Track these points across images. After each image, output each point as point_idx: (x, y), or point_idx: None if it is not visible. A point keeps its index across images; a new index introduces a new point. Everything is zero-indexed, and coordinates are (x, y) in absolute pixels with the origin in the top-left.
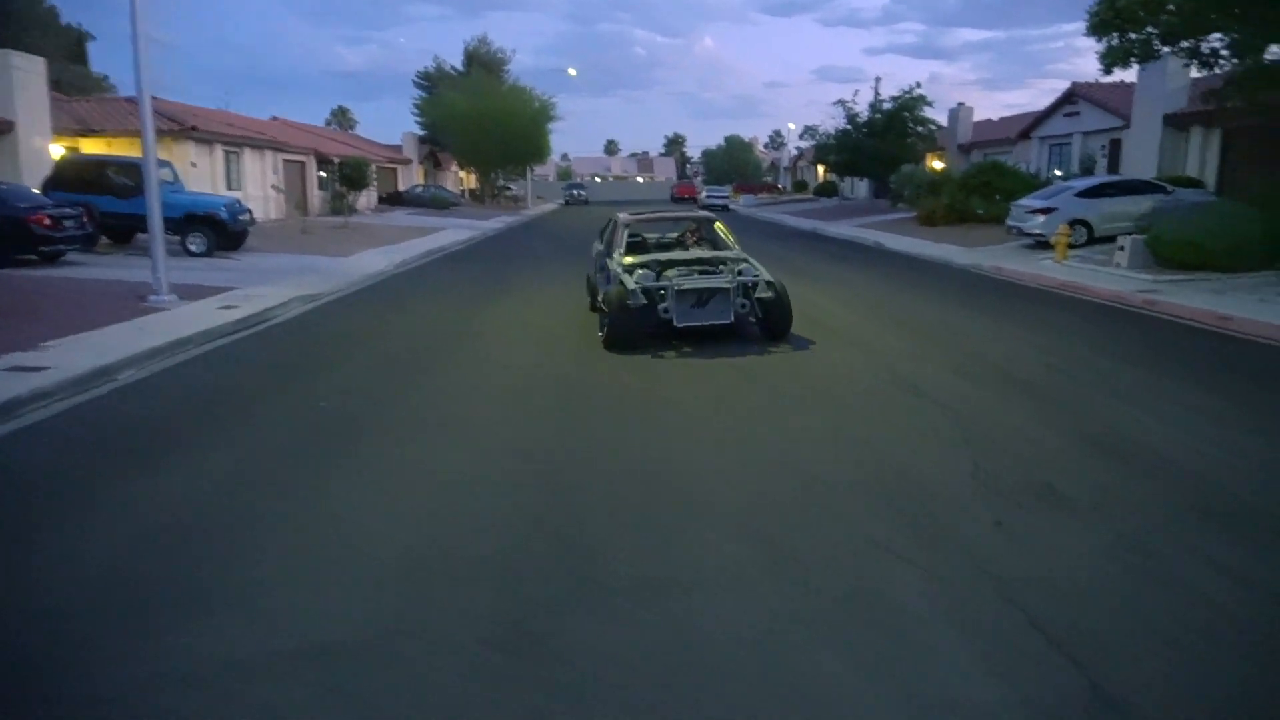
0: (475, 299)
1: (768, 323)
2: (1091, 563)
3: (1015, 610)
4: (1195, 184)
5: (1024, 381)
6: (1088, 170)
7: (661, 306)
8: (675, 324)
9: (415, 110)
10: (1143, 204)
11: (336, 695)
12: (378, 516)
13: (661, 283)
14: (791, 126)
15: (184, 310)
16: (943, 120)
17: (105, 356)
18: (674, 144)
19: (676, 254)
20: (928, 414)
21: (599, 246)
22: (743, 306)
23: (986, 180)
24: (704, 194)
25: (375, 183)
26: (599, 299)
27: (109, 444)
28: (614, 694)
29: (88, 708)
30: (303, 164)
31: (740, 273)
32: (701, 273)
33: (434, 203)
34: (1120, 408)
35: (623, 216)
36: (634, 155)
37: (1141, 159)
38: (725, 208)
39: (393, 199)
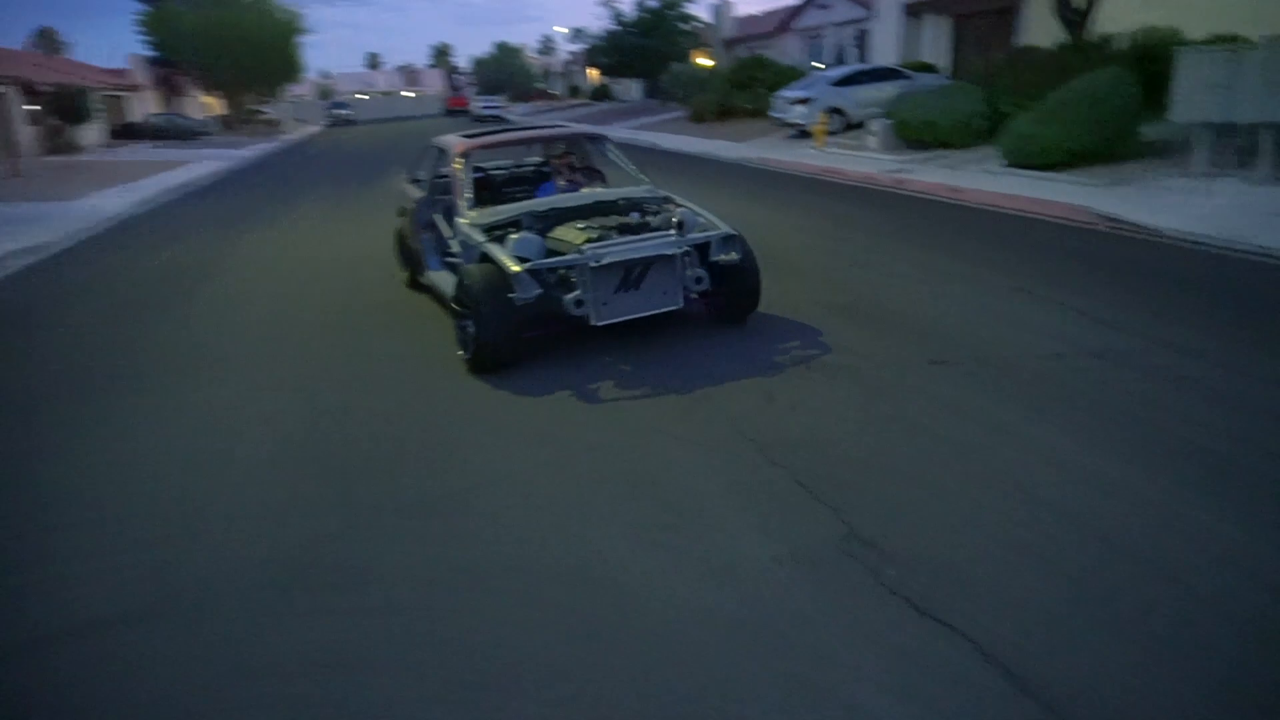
0: (231, 236)
1: (728, 299)
2: (845, 421)
3: (782, 472)
4: (930, 69)
5: (785, 262)
6: (841, 60)
7: (571, 296)
8: (593, 322)
9: (141, 29)
10: (889, 90)
11: (113, 669)
12: (137, 471)
13: (568, 257)
14: (561, 30)
15: None
16: (707, 17)
17: None
18: (441, 55)
19: (561, 199)
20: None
21: (413, 191)
22: (698, 280)
23: (751, 74)
24: (477, 105)
25: (103, 113)
26: (453, 290)
27: None
28: (411, 610)
29: None
30: (1, 95)
31: (679, 225)
32: (620, 230)
33: (177, 133)
34: (870, 277)
35: (452, 142)
36: (400, 69)
37: (886, 47)
38: (499, 117)
39: (127, 131)
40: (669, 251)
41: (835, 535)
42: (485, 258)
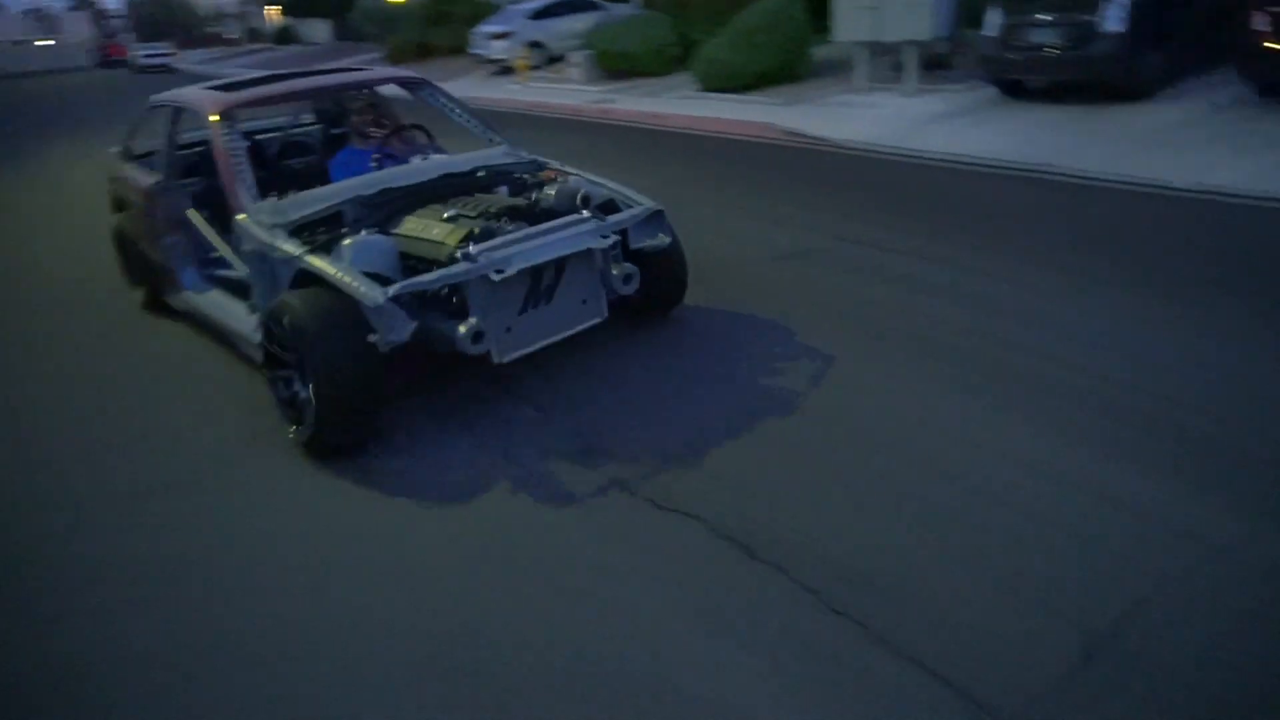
0: None
1: (655, 288)
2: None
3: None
4: None
5: None
6: None
7: (466, 330)
8: (497, 360)
9: None
10: (585, 21)
11: None
12: None
13: (454, 270)
14: None
15: None
16: None
17: None
18: None
19: (391, 176)
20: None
21: (136, 174)
22: (627, 280)
23: (446, 10)
24: (138, 54)
25: None
26: (254, 328)
27: None
28: (165, 595)
29: None
30: None
31: (582, 201)
32: (510, 216)
33: None
34: None
35: (203, 99)
36: (30, 13)
37: None
38: (166, 68)
39: None
40: (594, 245)
41: (576, 449)
42: (306, 276)
